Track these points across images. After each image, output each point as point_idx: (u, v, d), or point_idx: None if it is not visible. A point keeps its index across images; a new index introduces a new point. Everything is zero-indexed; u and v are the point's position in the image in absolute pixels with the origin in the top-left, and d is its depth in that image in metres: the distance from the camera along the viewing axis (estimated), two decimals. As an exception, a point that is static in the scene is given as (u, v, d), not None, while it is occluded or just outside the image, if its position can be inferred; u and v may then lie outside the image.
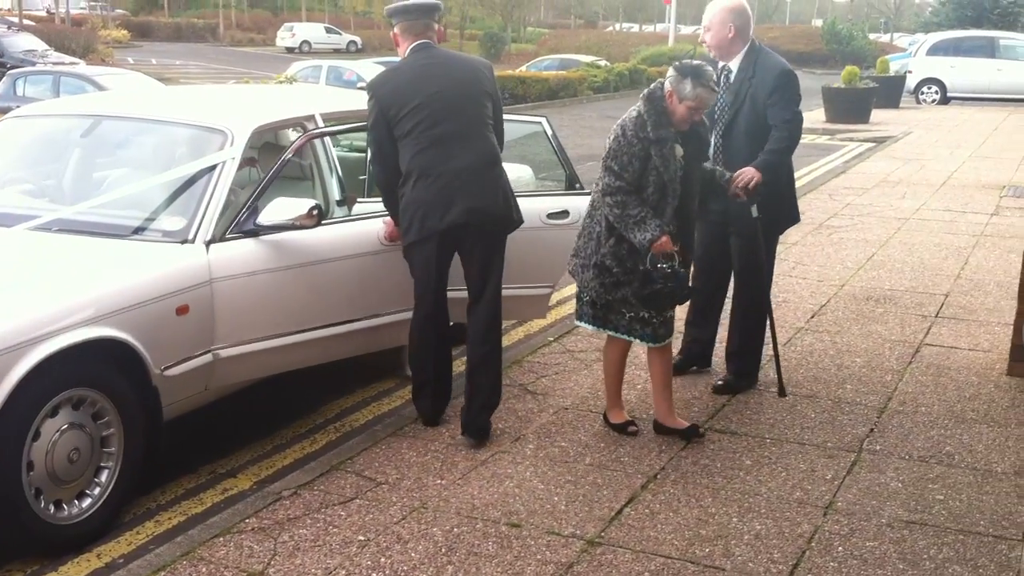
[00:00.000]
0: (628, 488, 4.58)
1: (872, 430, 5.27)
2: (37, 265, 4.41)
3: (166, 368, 4.46)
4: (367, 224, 5.33)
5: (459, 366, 5.69)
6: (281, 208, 4.82)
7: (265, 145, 5.98)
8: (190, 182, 4.92)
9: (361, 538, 4.12)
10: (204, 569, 3.89)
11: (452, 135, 4.91)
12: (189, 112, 5.58)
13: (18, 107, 7.02)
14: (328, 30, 60.71)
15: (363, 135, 6.01)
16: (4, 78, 22.01)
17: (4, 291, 4.10)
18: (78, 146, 5.57)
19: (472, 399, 5.07)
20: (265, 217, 4.81)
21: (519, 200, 5.21)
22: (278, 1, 74.41)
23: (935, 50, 27.98)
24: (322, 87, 23.60)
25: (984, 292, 7.99)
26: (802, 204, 11.86)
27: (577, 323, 5.17)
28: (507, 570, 3.89)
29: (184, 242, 4.66)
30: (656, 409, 5.14)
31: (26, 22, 46.37)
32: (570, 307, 7.63)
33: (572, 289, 8.11)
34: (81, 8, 59.35)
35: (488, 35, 56.35)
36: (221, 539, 4.10)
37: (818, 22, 68.23)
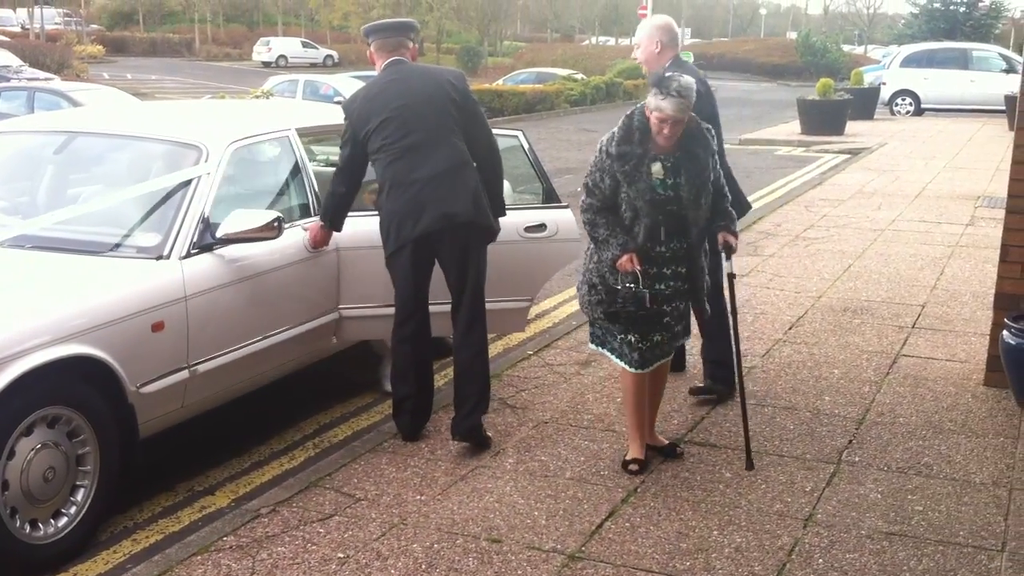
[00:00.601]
0: (609, 502, 4.57)
1: (851, 441, 5.28)
2: (10, 282, 4.36)
3: (142, 385, 4.43)
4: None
5: (440, 380, 5.68)
6: (242, 220, 4.83)
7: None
8: (165, 198, 4.90)
9: (340, 555, 4.09)
10: (181, 588, 3.85)
11: (420, 144, 4.99)
12: (164, 128, 5.56)
13: (-9, 123, 6.96)
14: (305, 44, 60.70)
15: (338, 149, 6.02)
16: (-23, 94, 21.87)
17: (-23, 309, 4.05)
18: (52, 163, 5.54)
19: (460, 406, 5.10)
20: (224, 229, 4.81)
21: None
22: (254, 16, 74.31)
23: (909, 62, 28.21)
24: (299, 102, 23.57)
25: (960, 302, 8.04)
26: (778, 216, 11.98)
27: (588, 346, 5.10)
28: (487, 586, 3.87)
29: (159, 258, 4.63)
30: None
31: (0, 38, 46.14)
32: (548, 320, 7.63)
33: (550, 302, 8.13)
34: (56, 24, 59.14)
35: (465, 49, 56.49)
36: (199, 557, 4.06)
37: (792, 35, 68.79)
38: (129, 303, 4.37)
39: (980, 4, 48.01)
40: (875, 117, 26.32)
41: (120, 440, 4.36)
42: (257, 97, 19.80)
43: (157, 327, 4.47)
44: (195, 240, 4.76)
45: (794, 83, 46.72)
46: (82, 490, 4.25)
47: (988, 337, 6.22)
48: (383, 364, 6.13)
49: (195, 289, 4.66)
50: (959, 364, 6.51)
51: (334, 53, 60.42)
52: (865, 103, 25.88)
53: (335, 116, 6.62)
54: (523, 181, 6.89)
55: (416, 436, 5.24)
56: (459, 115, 5.11)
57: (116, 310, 4.31)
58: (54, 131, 5.73)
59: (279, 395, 5.84)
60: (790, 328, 7.27)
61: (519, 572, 3.97)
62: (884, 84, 28.23)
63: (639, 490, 4.69)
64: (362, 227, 5.60)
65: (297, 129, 5.72)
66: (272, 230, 4.86)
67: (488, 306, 5.30)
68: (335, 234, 5.47)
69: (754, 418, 5.55)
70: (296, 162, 5.62)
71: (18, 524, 3.99)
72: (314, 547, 4.15)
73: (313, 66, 54.39)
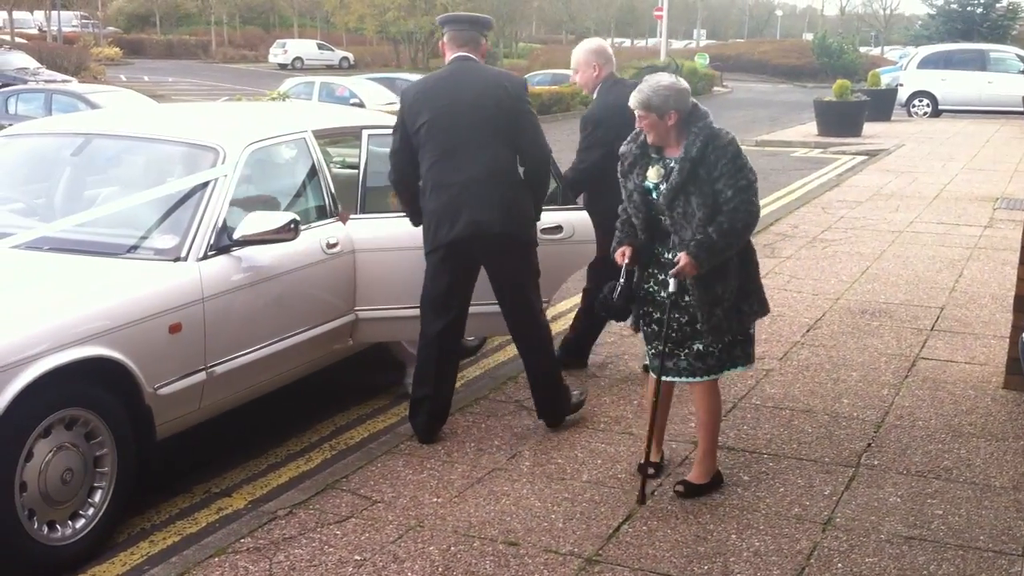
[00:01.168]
0: (626, 505, 4.55)
1: (869, 445, 5.25)
2: (28, 284, 4.38)
3: (159, 387, 4.43)
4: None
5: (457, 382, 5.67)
6: (259, 221, 4.84)
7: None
8: (182, 200, 4.91)
9: (357, 558, 4.08)
10: (198, 590, 3.86)
11: (459, 148, 5.00)
12: (181, 130, 5.56)
13: (10, 125, 7.00)
14: (320, 46, 60.85)
15: (355, 151, 6.04)
16: (-4, 96, 22.01)
17: (-4, 310, 4.06)
18: (69, 164, 5.55)
19: (538, 408, 5.40)
20: (241, 231, 4.82)
21: None
22: (270, 18, 74.47)
23: (926, 63, 28.08)
24: (315, 103, 23.63)
25: (979, 305, 7.99)
26: (795, 217, 11.94)
27: None
28: (505, 589, 3.86)
29: (176, 260, 4.64)
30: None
31: (18, 40, 46.42)
32: (564, 322, 7.60)
33: (567, 304, 8.11)
34: (73, 26, 59.41)
35: (480, 51, 56.43)
36: (216, 559, 4.06)
37: (809, 36, 68.55)
38: (146, 305, 4.38)
39: (997, 5, 47.78)
40: (892, 118, 26.19)
41: (137, 442, 4.37)
42: (273, 99, 19.82)
43: (174, 329, 4.48)
44: (212, 242, 4.77)
45: (810, 84, 46.55)
46: (100, 492, 4.26)
47: (1008, 340, 6.18)
48: (407, 370, 6.13)
49: (212, 291, 4.67)
50: (978, 367, 6.47)
51: (350, 55, 60.57)
52: (882, 104, 25.77)
53: (351, 118, 6.65)
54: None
55: (432, 438, 5.24)
56: (507, 122, 5.09)
57: (133, 312, 4.31)
58: (72, 133, 5.74)
59: (295, 397, 5.84)
60: (808, 330, 7.24)
61: (536, 575, 3.95)
62: (901, 85, 28.10)
63: (656, 493, 4.67)
64: (379, 229, 5.60)
65: (313, 131, 5.72)
66: (289, 232, 4.87)
67: (489, 309, 5.39)
68: (352, 235, 5.47)
69: (772, 421, 5.53)
70: (313, 164, 5.62)
71: (36, 526, 4.00)
72: (331, 549, 4.14)
73: (329, 68, 54.53)
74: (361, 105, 23.72)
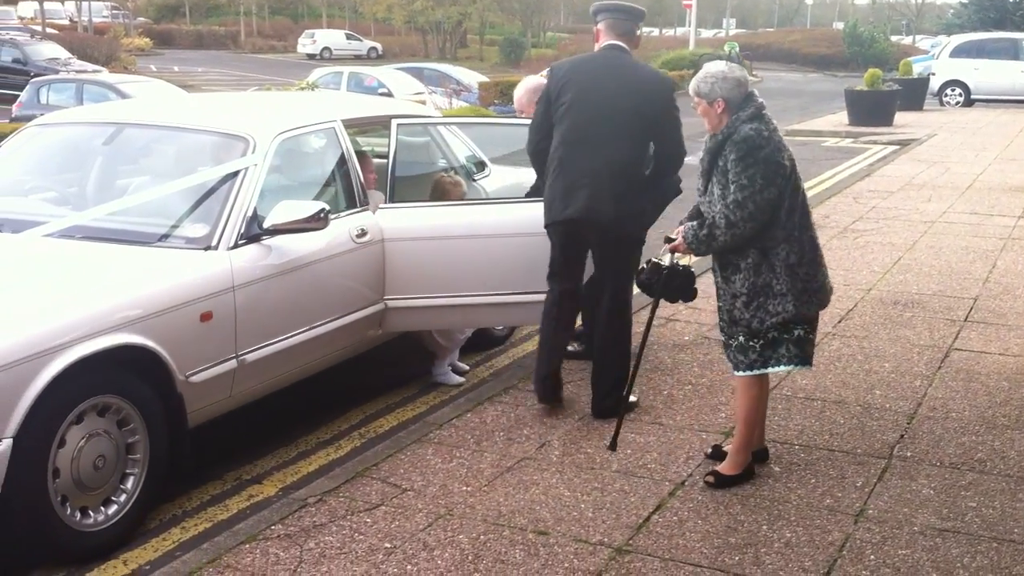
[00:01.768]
0: (656, 495, 4.54)
1: (902, 436, 5.20)
2: (61, 272, 4.41)
3: (191, 374, 4.45)
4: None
5: (485, 371, 5.68)
6: (288, 210, 4.86)
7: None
8: (213, 189, 4.93)
9: (387, 545, 4.09)
10: (230, 577, 3.87)
11: (590, 137, 5.14)
12: (211, 119, 5.58)
13: (41, 115, 7.04)
14: (349, 36, 60.86)
15: (383, 141, 6.04)
16: (28, 86, 22.16)
17: (30, 298, 4.10)
18: (101, 154, 5.58)
19: (596, 391, 5.40)
20: (271, 220, 4.84)
21: (533, 206, 5.46)
22: (299, 8, 74.58)
23: (958, 52, 27.79)
24: (343, 93, 23.67)
25: (1013, 296, 7.90)
26: (826, 207, 11.84)
27: None
28: (534, 578, 3.85)
29: (207, 248, 4.66)
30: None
31: (49, 30, 46.68)
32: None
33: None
34: (103, 16, 59.67)
35: (508, 40, 56.37)
36: (247, 546, 4.08)
37: (839, 25, 67.97)
38: (178, 293, 4.40)
39: (1031, -7, 47.20)
40: (924, 108, 25.94)
41: (169, 429, 4.39)
42: (302, 89, 19.88)
43: (206, 317, 4.50)
44: (242, 231, 4.78)
45: (841, 74, 46.15)
46: (132, 478, 4.28)
47: (1043, 331, 6.11)
48: (436, 360, 6.15)
49: (243, 279, 4.68)
50: (1012, 358, 6.40)
51: (378, 45, 60.54)
52: (914, 94, 25.51)
53: (380, 108, 6.64)
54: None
55: (551, 400, 5.42)
56: (643, 121, 5.16)
57: (165, 300, 4.33)
58: (103, 123, 5.77)
59: (325, 385, 5.86)
60: (840, 321, 7.18)
61: (566, 565, 3.95)
62: (933, 75, 27.82)
63: (686, 483, 4.65)
64: (408, 219, 5.60)
65: (343, 120, 5.72)
66: (318, 221, 4.88)
67: (517, 299, 5.56)
68: (381, 225, 5.47)
69: (803, 412, 5.49)
70: (342, 153, 5.62)
71: (69, 512, 4.03)
72: (361, 537, 4.15)
73: (357, 58, 54.54)
74: (389, 95, 23.73)
